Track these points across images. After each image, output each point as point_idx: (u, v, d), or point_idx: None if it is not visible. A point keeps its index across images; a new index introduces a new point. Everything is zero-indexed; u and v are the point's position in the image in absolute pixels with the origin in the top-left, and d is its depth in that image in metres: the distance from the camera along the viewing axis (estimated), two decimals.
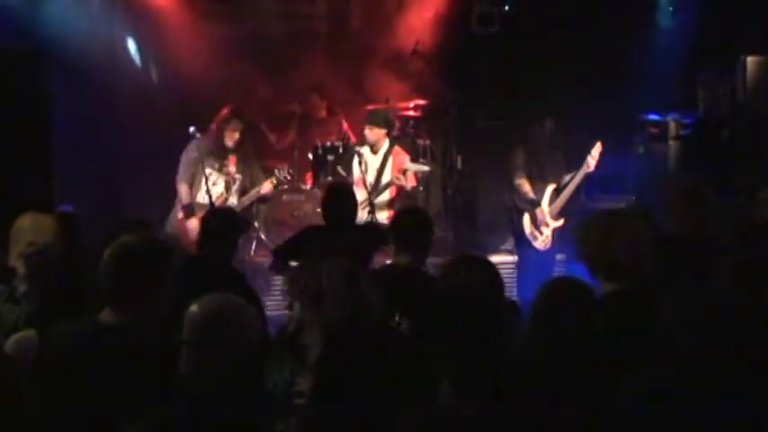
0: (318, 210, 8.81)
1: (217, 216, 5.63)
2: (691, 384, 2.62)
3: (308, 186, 9.21)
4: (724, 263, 3.60)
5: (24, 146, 6.14)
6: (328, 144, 9.16)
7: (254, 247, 9.13)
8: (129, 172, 8.91)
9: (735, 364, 2.59)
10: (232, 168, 7.98)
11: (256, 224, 9.06)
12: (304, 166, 9.43)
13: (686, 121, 8.74)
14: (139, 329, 3.34)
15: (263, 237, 9.02)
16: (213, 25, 9.90)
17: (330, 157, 9.09)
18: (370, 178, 8.26)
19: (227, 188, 7.98)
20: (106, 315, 3.42)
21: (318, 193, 9.03)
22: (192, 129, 7.84)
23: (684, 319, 2.72)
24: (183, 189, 7.91)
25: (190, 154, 7.96)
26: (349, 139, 9.42)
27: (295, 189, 9.13)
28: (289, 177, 8.32)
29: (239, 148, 8.03)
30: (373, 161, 8.36)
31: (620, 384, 2.84)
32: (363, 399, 2.59)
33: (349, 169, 8.40)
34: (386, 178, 8.32)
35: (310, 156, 9.24)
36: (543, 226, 8.15)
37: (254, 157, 8.35)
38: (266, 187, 8.04)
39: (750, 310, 2.73)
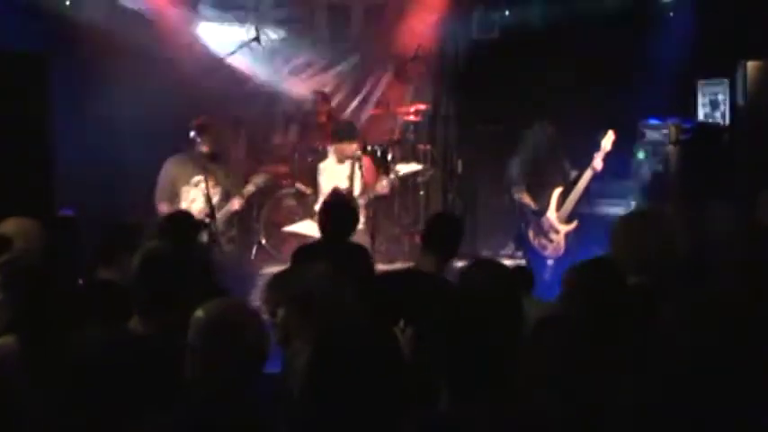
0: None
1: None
2: (691, 386, 2.61)
3: (310, 191, 9.18)
4: (725, 265, 3.60)
5: (24, 149, 6.13)
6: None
7: (254, 251, 9.12)
8: (130, 176, 8.90)
9: (736, 364, 2.59)
10: (210, 182, 7.87)
11: (257, 227, 9.07)
12: (305, 171, 9.41)
13: (686, 125, 8.73)
14: (170, 338, 3.31)
15: (263, 241, 9.01)
16: (214, 32, 9.92)
17: None
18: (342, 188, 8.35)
19: (208, 202, 7.86)
20: (135, 323, 3.39)
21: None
22: (192, 133, 7.83)
23: (686, 319, 2.72)
24: (164, 208, 7.72)
25: (166, 173, 7.88)
26: None
27: (296, 194, 9.13)
28: (262, 186, 8.24)
29: (213, 160, 7.93)
30: (341, 171, 8.40)
31: (620, 385, 2.84)
32: (354, 404, 2.58)
33: (314, 185, 8.41)
34: (358, 184, 8.38)
35: (310, 160, 9.23)
36: (552, 233, 8.14)
37: (232, 167, 8.23)
38: (236, 204, 7.93)
39: (751, 310, 2.72)
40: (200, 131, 7.79)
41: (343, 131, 8.49)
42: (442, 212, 5.16)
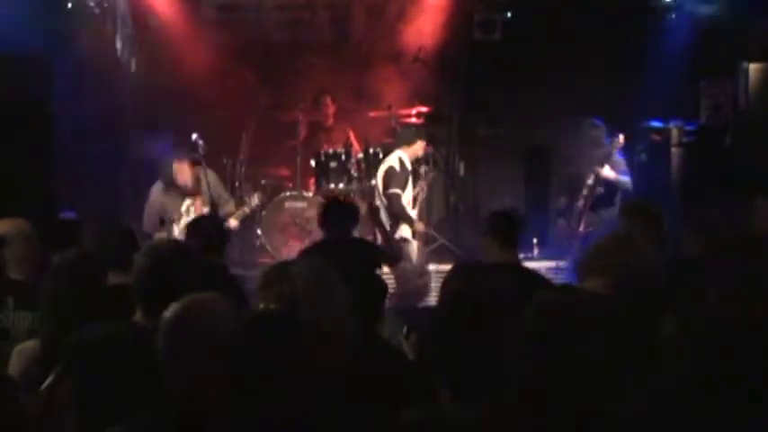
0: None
1: None
2: (694, 400, 2.60)
3: (311, 193, 9.20)
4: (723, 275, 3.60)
5: (27, 151, 6.14)
6: (330, 151, 9.16)
7: (256, 254, 9.13)
8: (132, 179, 8.93)
9: (738, 374, 2.58)
10: (197, 204, 7.86)
11: (259, 231, 9.07)
12: (307, 173, 9.42)
13: (689, 128, 8.73)
14: None
15: (265, 244, 9.01)
16: (216, 33, 9.93)
17: (332, 164, 9.10)
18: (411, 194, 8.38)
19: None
20: (139, 318, 3.41)
21: (321, 200, 9.03)
22: (194, 136, 7.84)
23: (686, 334, 2.71)
24: (161, 233, 7.76)
25: (154, 201, 7.87)
26: (352, 147, 9.41)
27: (297, 196, 9.13)
28: (259, 206, 8.19)
29: (196, 185, 7.92)
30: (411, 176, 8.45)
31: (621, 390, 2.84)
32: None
33: (404, 187, 8.30)
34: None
35: (312, 162, 9.23)
36: None
37: (218, 184, 8.14)
38: (232, 224, 7.89)
39: (750, 322, 2.71)
40: (177, 172, 7.79)
41: (420, 132, 8.52)
42: (504, 210, 5.55)
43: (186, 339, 2.79)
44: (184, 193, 7.83)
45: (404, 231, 8.27)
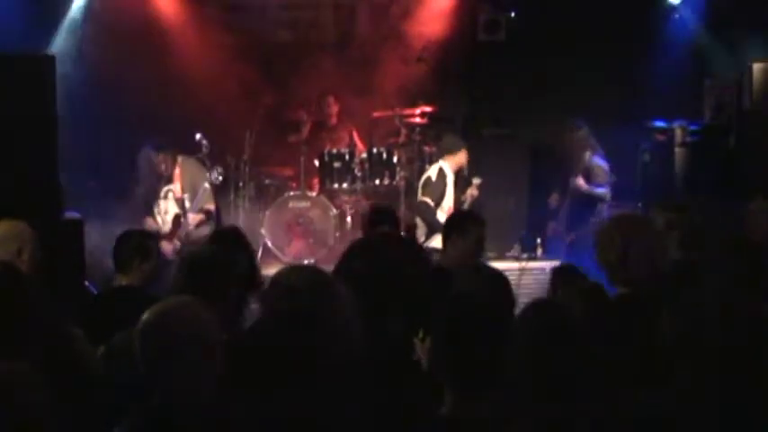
0: (325, 215, 8.88)
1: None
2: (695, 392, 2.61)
3: (315, 193, 9.20)
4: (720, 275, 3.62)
5: (29, 151, 6.13)
6: (335, 151, 9.17)
7: (260, 254, 9.13)
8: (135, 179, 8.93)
9: (739, 373, 2.59)
10: (176, 189, 7.91)
11: (263, 231, 9.07)
12: (311, 173, 9.42)
13: (692, 127, 8.72)
14: None
15: (269, 244, 9.02)
16: (220, 33, 9.93)
17: (337, 164, 9.09)
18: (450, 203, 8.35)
19: (181, 207, 7.92)
20: None
21: (324, 199, 9.04)
22: (198, 135, 7.86)
23: (687, 332, 2.72)
24: (149, 222, 7.91)
25: (138, 193, 7.98)
26: (356, 146, 9.40)
27: (301, 196, 9.14)
28: (221, 179, 8.18)
29: (173, 173, 7.99)
30: (452, 186, 8.41)
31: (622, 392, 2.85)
32: None
33: (440, 197, 8.32)
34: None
35: (317, 162, 9.23)
36: None
37: (198, 173, 8.12)
38: (206, 207, 8.07)
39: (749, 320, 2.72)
40: (153, 153, 7.84)
41: (460, 144, 8.48)
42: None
43: (164, 341, 2.81)
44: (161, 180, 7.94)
45: (437, 242, 8.22)
